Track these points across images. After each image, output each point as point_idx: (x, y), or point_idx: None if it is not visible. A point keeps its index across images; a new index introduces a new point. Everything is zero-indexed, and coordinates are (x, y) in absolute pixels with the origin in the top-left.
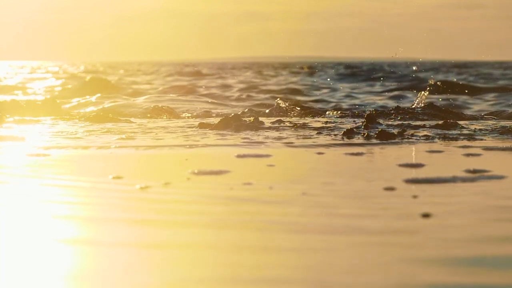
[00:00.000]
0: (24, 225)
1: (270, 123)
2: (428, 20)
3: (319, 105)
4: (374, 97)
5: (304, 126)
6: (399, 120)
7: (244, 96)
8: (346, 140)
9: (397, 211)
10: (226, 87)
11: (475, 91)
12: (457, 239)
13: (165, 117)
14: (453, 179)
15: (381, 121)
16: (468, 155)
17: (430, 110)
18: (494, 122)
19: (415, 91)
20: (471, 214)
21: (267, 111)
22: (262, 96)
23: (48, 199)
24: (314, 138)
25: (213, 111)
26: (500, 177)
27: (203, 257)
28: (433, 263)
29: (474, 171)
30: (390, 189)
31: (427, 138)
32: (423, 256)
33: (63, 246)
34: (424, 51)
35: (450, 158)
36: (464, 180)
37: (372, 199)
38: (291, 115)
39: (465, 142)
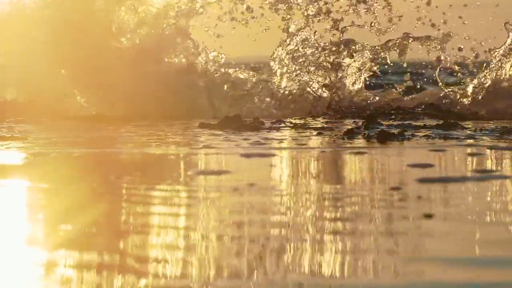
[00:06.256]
0: (22, 226)
1: (271, 123)
2: (428, 20)
3: None
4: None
5: (304, 126)
6: (400, 120)
7: None
8: (347, 140)
9: (403, 211)
10: None
11: None
12: (459, 247)
13: None
14: (462, 179)
15: (381, 121)
16: (471, 154)
17: (430, 110)
18: (495, 122)
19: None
20: (482, 218)
21: None
22: None
23: (48, 199)
24: (314, 138)
25: None
26: (508, 177)
27: (203, 263)
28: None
29: (482, 171)
30: (396, 189)
31: (428, 138)
32: (424, 260)
33: (59, 250)
34: (424, 51)
35: (454, 158)
36: (473, 180)
37: (376, 199)
38: None
39: (467, 142)
